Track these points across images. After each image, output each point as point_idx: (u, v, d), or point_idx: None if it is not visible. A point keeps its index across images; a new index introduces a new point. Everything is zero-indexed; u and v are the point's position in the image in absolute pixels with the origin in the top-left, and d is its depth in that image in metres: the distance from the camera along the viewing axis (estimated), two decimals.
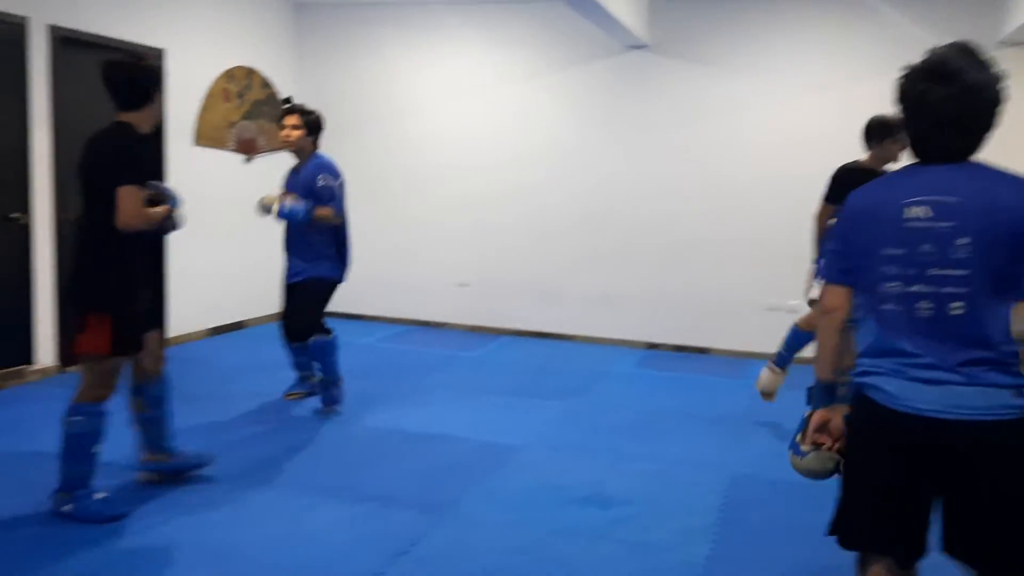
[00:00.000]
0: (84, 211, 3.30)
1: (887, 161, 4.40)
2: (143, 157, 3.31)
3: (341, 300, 7.82)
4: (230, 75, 6.91)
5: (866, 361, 2.01)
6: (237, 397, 5.06)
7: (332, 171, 4.75)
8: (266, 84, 7.35)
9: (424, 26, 7.53)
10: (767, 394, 4.97)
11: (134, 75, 3.38)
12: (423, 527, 3.38)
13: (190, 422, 4.42)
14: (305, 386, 5.13)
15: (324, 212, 4.66)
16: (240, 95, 7.03)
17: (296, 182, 4.79)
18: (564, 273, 7.34)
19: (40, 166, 5.25)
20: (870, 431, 2.02)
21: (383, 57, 7.68)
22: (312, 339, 4.81)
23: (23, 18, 5.05)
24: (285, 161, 7.54)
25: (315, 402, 5.03)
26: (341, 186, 4.78)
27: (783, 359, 4.90)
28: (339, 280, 4.89)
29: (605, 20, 5.95)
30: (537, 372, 6.18)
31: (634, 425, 4.91)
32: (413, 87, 7.63)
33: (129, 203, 3.16)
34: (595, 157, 7.18)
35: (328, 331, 4.88)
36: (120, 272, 3.29)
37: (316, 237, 4.75)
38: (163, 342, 3.70)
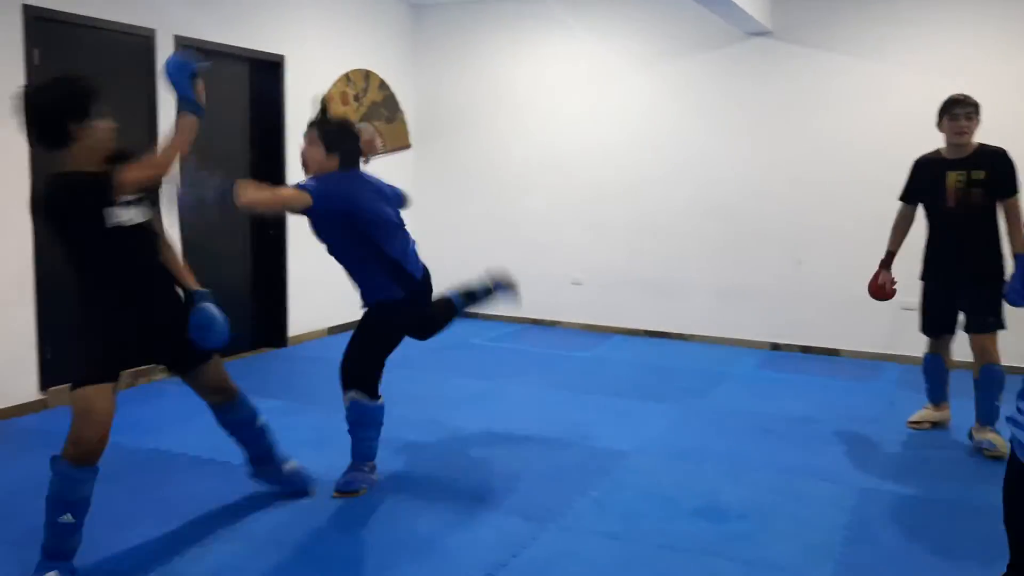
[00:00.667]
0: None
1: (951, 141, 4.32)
2: (70, 201, 2.86)
3: None
4: (348, 78, 7.04)
5: None
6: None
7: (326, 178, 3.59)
8: (383, 85, 7.44)
9: (537, 21, 7.46)
10: (920, 422, 4.72)
11: (42, 109, 2.86)
12: (527, 535, 3.29)
13: (304, 420, 4.50)
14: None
15: (262, 193, 3.44)
16: (357, 98, 7.15)
17: None
18: (682, 270, 7.11)
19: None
20: None
21: (496, 53, 7.65)
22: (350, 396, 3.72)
23: (151, 30, 5.28)
24: (404, 161, 7.70)
25: (430, 402, 5.03)
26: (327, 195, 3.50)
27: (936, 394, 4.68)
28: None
29: (725, 7, 5.71)
30: (651, 373, 6.00)
31: (753, 431, 4.67)
32: (526, 82, 7.56)
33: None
34: (714, 149, 6.92)
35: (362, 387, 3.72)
36: (102, 294, 2.97)
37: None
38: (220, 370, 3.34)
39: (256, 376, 5.63)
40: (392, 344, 3.79)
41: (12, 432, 4.45)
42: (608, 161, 7.28)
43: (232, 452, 4.07)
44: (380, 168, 7.38)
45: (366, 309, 3.77)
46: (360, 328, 3.77)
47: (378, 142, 7.41)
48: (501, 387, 5.50)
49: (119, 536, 3.21)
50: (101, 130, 2.93)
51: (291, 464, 3.61)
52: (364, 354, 3.73)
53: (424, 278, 3.91)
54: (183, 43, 5.48)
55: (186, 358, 3.23)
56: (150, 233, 3.09)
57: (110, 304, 2.96)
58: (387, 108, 7.51)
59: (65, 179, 2.88)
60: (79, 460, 2.79)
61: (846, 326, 6.59)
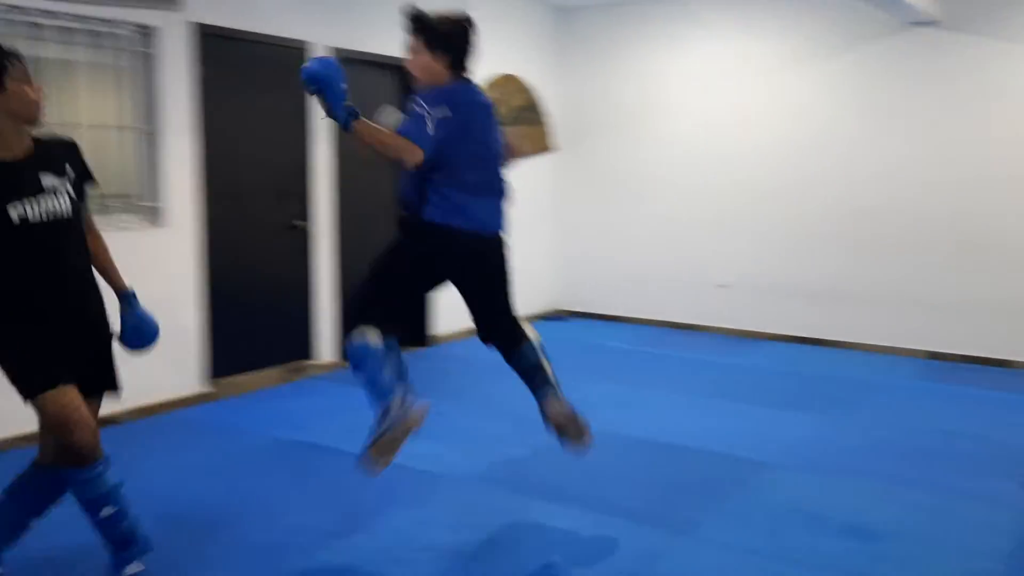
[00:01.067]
0: None
1: None
2: None
3: (594, 302, 7.94)
4: (492, 84, 7.13)
5: None
6: (492, 396, 5.17)
7: (433, 96, 3.13)
8: (525, 89, 7.50)
9: (681, 21, 7.32)
10: None
11: None
12: (661, 546, 3.23)
13: (445, 420, 4.60)
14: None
15: (376, 132, 3.06)
16: (501, 102, 7.23)
17: None
18: (834, 273, 6.79)
19: (321, 179, 5.74)
20: None
21: (642, 55, 7.56)
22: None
23: (303, 42, 5.54)
24: (547, 165, 7.73)
25: (570, 400, 5.03)
26: (436, 119, 3.06)
27: None
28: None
29: None
30: (800, 382, 5.76)
31: (909, 447, 4.40)
32: (672, 84, 7.44)
33: None
34: (871, 147, 6.57)
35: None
36: (11, 294, 2.56)
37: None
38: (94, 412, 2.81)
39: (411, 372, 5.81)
40: (419, 281, 3.24)
41: (183, 420, 4.79)
42: (758, 162, 7.05)
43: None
44: (523, 172, 7.48)
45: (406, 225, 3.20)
46: (388, 249, 3.21)
47: (522, 146, 7.48)
48: (639, 392, 5.43)
49: (272, 524, 3.38)
50: (16, 96, 2.48)
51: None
52: (379, 283, 3.18)
53: (494, 240, 3.28)
54: (337, 53, 5.73)
55: (96, 382, 2.82)
56: (71, 230, 2.66)
57: (34, 296, 2.58)
58: (531, 111, 7.55)
59: None
60: (81, 461, 2.60)
61: (1019, 335, 6.10)
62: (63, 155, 2.69)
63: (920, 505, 3.64)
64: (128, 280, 4.79)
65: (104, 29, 4.51)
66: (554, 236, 8.07)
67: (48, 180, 2.58)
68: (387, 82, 6.36)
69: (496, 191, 3.38)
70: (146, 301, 4.74)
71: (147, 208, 4.82)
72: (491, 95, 7.36)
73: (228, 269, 5.21)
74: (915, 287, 6.45)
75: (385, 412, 3.06)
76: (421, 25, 3.25)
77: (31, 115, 2.54)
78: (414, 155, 3.03)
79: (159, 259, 4.85)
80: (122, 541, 2.78)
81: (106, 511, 2.69)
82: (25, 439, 4.39)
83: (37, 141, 2.62)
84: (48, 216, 2.55)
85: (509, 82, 7.27)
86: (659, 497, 3.70)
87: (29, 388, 2.55)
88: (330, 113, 2.96)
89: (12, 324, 2.56)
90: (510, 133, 7.75)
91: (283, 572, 3.00)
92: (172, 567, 3.02)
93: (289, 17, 5.43)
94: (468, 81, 3.37)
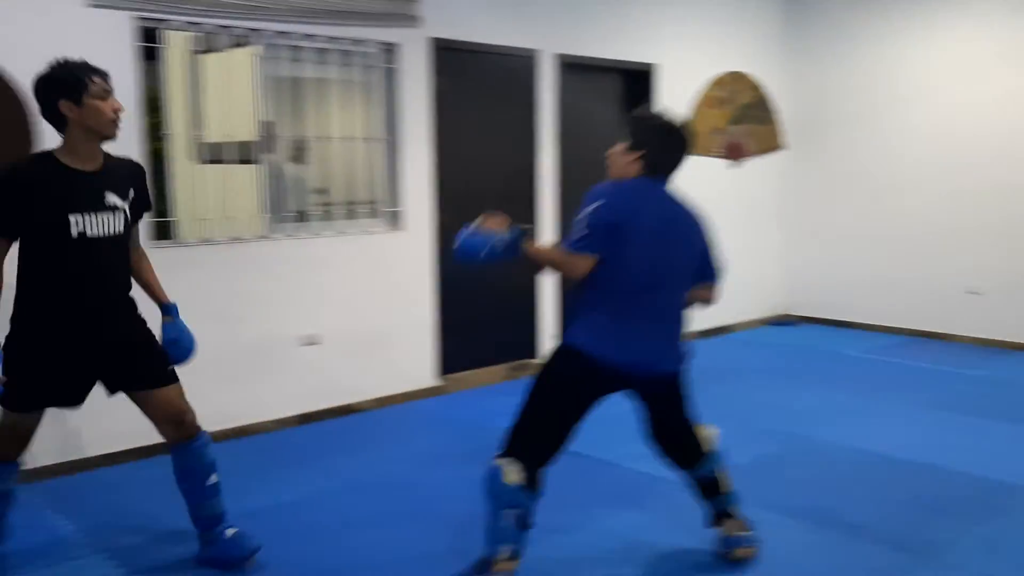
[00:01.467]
0: None
1: None
2: (6, 199, 2.61)
3: (826, 307, 7.52)
4: (718, 82, 6.99)
5: None
6: (716, 400, 5.02)
7: (593, 195, 2.83)
8: (755, 86, 7.28)
9: (933, 3, 6.77)
10: None
11: (35, 91, 2.69)
12: (901, 569, 3.02)
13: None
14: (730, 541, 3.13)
15: (545, 251, 2.96)
16: (728, 101, 7.07)
17: None
18: None
19: (546, 182, 5.89)
20: None
21: (882, 43, 7.08)
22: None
23: (532, 51, 5.71)
24: (777, 163, 7.46)
25: (794, 415, 4.83)
26: (592, 214, 2.76)
27: None
28: (581, 355, 2.82)
29: None
30: None
31: None
32: (916, 72, 6.89)
33: None
34: None
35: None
36: (31, 309, 2.73)
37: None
38: (176, 398, 2.97)
39: None
40: (569, 411, 2.85)
41: (416, 412, 5.10)
42: (1018, 155, 6.39)
43: (597, 447, 4.28)
44: (751, 171, 7.27)
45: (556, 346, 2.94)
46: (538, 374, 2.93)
47: (749, 144, 7.26)
48: (876, 404, 5.09)
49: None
50: (93, 112, 2.64)
51: (233, 530, 3.11)
52: (529, 413, 2.89)
53: (649, 374, 2.88)
54: (563, 59, 5.86)
55: (135, 377, 2.91)
56: (118, 248, 2.83)
57: (49, 313, 2.73)
58: (759, 109, 7.33)
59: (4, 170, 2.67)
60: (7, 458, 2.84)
61: None
62: (129, 177, 2.86)
63: None
64: (371, 280, 5.19)
65: (353, 48, 4.90)
66: (783, 237, 7.75)
67: (111, 198, 2.74)
68: (613, 86, 6.41)
69: (668, 319, 2.89)
70: (387, 298, 5.13)
71: (389, 213, 5.17)
72: (717, 94, 7.27)
73: (460, 270, 5.44)
74: None
75: (487, 559, 2.83)
76: (631, 121, 3.02)
77: (106, 131, 2.69)
78: (575, 264, 2.75)
79: (398, 260, 5.19)
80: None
81: None
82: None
83: (108, 159, 2.79)
84: (102, 232, 2.70)
85: (736, 79, 7.12)
86: (896, 517, 3.46)
87: (13, 401, 2.74)
88: (502, 257, 2.86)
89: (33, 330, 2.71)
90: (737, 132, 7.59)
91: None
92: (407, 553, 3.22)
93: (518, 28, 5.62)
94: (659, 183, 2.88)
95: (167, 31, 4.23)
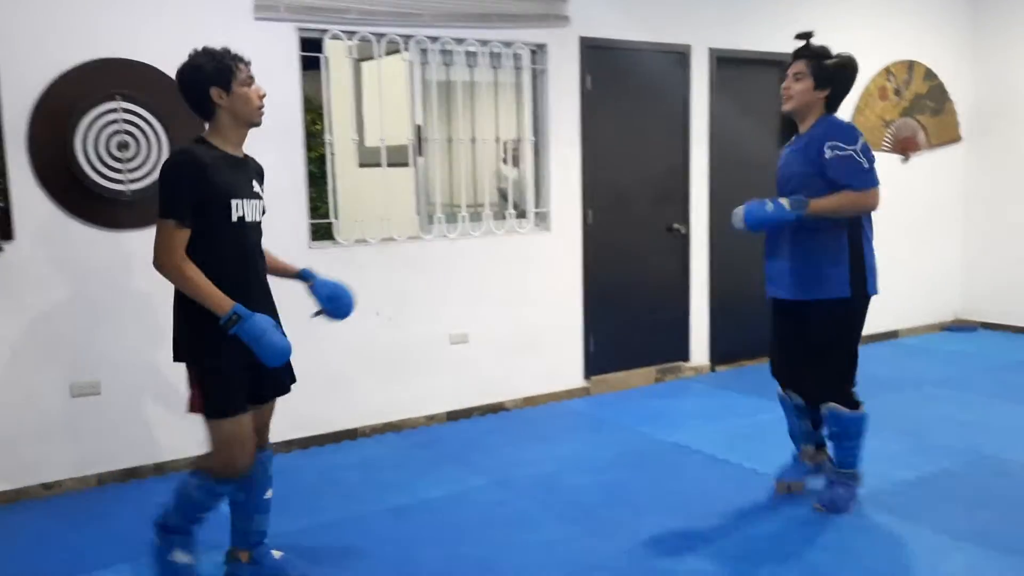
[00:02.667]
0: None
1: None
2: (180, 181, 2.55)
3: (1009, 313, 6.90)
4: (888, 72, 6.58)
5: None
6: (889, 411, 4.71)
7: (846, 133, 3.21)
8: (929, 75, 6.80)
9: None
10: None
11: (183, 80, 2.66)
12: None
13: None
14: (803, 470, 3.66)
15: (828, 203, 3.18)
16: (898, 92, 6.64)
17: (792, 157, 3.38)
18: None
19: (697, 181, 5.73)
20: None
21: None
22: (828, 407, 3.39)
23: (686, 46, 5.57)
24: (953, 156, 6.92)
25: (978, 430, 4.47)
26: (864, 151, 3.21)
27: None
28: (859, 302, 3.32)
29: None
30: None
31: None
32: None
33: (158, 242, 2.54)
34: None
35: (856, 402, 3.37)
36: (197, 319, 2.59)
37: (824, 238, 3.29)
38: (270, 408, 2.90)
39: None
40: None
41: (562, 413, 5.09)
42: None
43: (746, 455, 4.12)
44: (926, 163, 6.78)
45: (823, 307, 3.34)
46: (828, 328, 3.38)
47: (921, 137, 6.79)
48: None
49: (638, 521, 3.45)
50: (241, 98, 2.66)
51: (279, 552, 3.00)
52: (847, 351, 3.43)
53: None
54: (716, 54, 5.68)
55: (272, 387, 2.84)
56: (260, 237, 2.82)
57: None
58: (933, 100, 6.84)
59: (176, 151, 2.65)
60: (223, 478, 2.69)
61: None
62: (259, 170, 2.88)
63: None
64: (519, 280, 5.21)
65: (503, 50, 4.95)
66: (962, 238, 7.20)
67: (256, 186, 2.79)
68: (768, 79, 6.16)
69: None
70: (535, 299, 5.15)
71: (537, 214, 5.19)
72: (887, 83, 6.85)
73: (607, 271, 5.42)
74: None
75: (849, 484, 3.48)
76: (813, 54, 3.32)
77: (254, 118, 2.71)
78: (876, 197, 3.23)
79: (547, 261, 5.20)
80: (177, 528, 2.77)
81: (191, 522, 2.76)
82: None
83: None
84: (252, 218, 2.71)
85: (909, 68, 6.65)
86: None
87: (217, 409, 2.62)
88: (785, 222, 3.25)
89: (212, 321, 2.55)
90: (905, 126, 7.14)
91: (648, 570, 3.04)
92: (549, 556, 3.22)
93: (669, 23, 5.50)
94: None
95: (328, 40, 4.42)
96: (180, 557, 2.75)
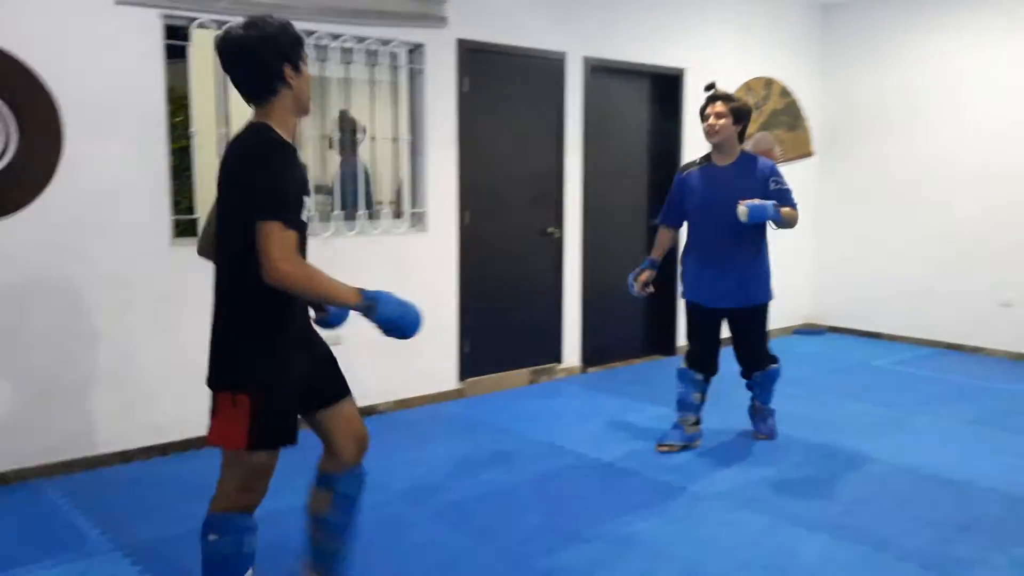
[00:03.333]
0: (221, 252, 2.29)
1: None
2: (286, 174, 2.19)
3: (855, 317, 7.41)
4: (748, 87, 6.90)
5: None
6: (740, 408, 4.95)
7: (778, 171, 4.19)
8: (785, 92, 7.18)
9: (970, 10, 6.63)
10: None
11: (250, 48, 2.24)
12: None
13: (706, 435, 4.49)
14: (681, 436, 4.32)
15: (786, 212, 4.06)
16: (757, 106, 6.98)
17: (724, 184, 4.10)
18: None
19: (571, 185, 5.84)
20: None
21: (919, 50, 6.96)
22: (763, 371, 4.42)
23: (562, 53, 5.67)
24: (807, 170, 7.34)
25: (825, 426, 4.75)
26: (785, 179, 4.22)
27: None
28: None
29: None
30: None
31: None
32: (953, 80, 6.77)
33: (275, 248, 2.08)
34: None
35: (776, 357, 4.47)
36: (267, 336, 2.25)
37: (756, 249, 4.17)
38: (357, 414, 2.58)
39: (645, 383, 5.77)
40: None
41: (437, 415, 5.07)
42: None
43: (618, 454, 4.22)
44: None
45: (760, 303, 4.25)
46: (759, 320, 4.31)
47: (777, 151, 7.17)
48: (906, 417, 4.98)
49: (515, 521, 3.47)
50: (308, 79, 2.34)
51: None
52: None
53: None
54: (591, 63, 5.80)
55: (339, 381, 2.54)
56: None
57: (284, 336, 2.29)
58: (788, 115, 7.23)
59: (268, 138, 2.22)
60: (242, 508, 2.33)
61: None
62: None
63: None
64: (393, 281, 5.13)
65: (379, 48, 4.88)
66: (812, 246, 7.65)
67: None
68: (639, 88, 6.36)
69: None
70: (409, 300, 5.10)
71: (414, 214, 5.15)
72: (747, 99, 7.16)
73: (483, 273, 5.44)
74: None
75: (772, 416, 4.62)
76: (726, 97, 4.14)
77: (308, 106, 2.38)
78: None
79: (422, 262, 5.16)
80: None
81: (245, 574, 2.33)
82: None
83: None
84: (308, 220, 2.32)
85: (766, 85, 7.01)
86: (923, 534, 3.36)
87: (260, 439, 2.24)
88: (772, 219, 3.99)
89: (279, 340, 2.27)
90: (763, 139, 7.51)
91: (526, 570, 3.07)
92: (424, 557, 3.19)
93: (547, 30, 5.58)
94: None
95: (194, 29, 4.23)
96: None
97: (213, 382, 2.27)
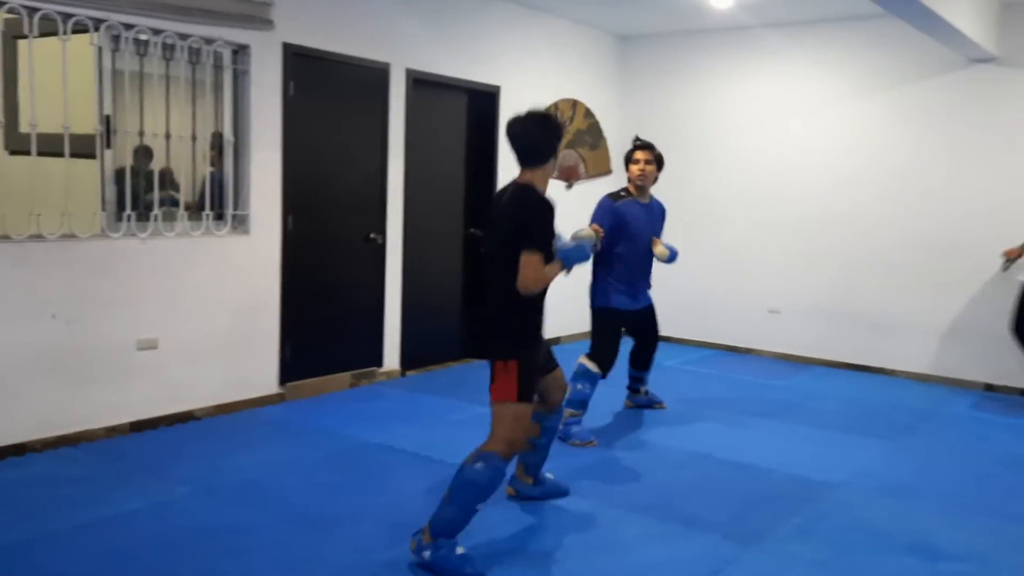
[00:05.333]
0: (494, 267, 3.27)
1: None
2: (547, 221, 3.22)
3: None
4: (556, 107, 7.35)
5: None
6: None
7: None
8: (588, 114, 7.70)
9: (747, 51, 7.47)
10: None
11: (536, 132, 3.34)
12: (730, 554, 3.36)
13: None
14: (586, 432, 4.88)
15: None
16: (564, 125, 7.43)
17: (647, 218, 5.00)
18: (887, 301, 6.86)
19: (394, 193, 5.97)
20: None
21: (703, 82, 7.72)
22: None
23: (386, 64, 5.80)
24: (606, 187, 7.90)
25: (629, 420, 5.18)
26: None
27: None
28: None
29: (947, 33, 5.52)
30: (854, 406, 5.83)
31: (969, 474, 4.48)
32: (732, 110, 7.58)
33: (530, 271, 3.12)
34: (932, 181, 6.64)
35: None
36: (526, 323, 3.27)
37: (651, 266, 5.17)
38: (563, 375, 3.77)
39: (465, 384, 5.98)
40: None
41: (258, 419, 5.00)
42: (818, 190, 7.16)
43: (447, 451, 4.40)
44: (584, 192, 7.66)
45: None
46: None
47: (581, 168, 7.67)
48: (697, 411, 5.54)
49: (355, 519, 3.56)
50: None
51: (545, 482, 3.90)
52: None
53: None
54: (413, 75, 5.97)
55: (550, 362, 3.68)
56: None
57: (534, 323, 3.32)
58: (591, 136, 7.76)
59: (539, 197, 3.27)
60: (507, 457, 3.17)
61: None
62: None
63: (984, 528, 3.72)
64: (214, 284, 5.07)
65: (203, 47, 4.78)
66: None
67: None
68: (458, 102, 6.60)
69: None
70: (230, 303, 5.02)
71: (236, 216, 5.06)
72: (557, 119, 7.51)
73: (306, 277, 5.43)
74: (971, 318, 6.49)
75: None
76: (650, 146, 4.98)
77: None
78: None
79: (244, 266, 5.09)
80: (449, 525, 3.11)
81: (480, 505, 3.13)
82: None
83: None
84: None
85: (573, 106, 7.50)
86: (723, 511, 3.82)
87: (525, 393, 3.21)
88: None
89: (529, 325, 3.30)
90: (569, 156, 7.99)
91: (373, 565, 3.17)
92: (266, 558, 3.20)
93: (372, 40, 5.68)
94: None
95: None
96: (461, 550, 3.11)
97: (487, 353, 3.27)
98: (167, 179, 4.88)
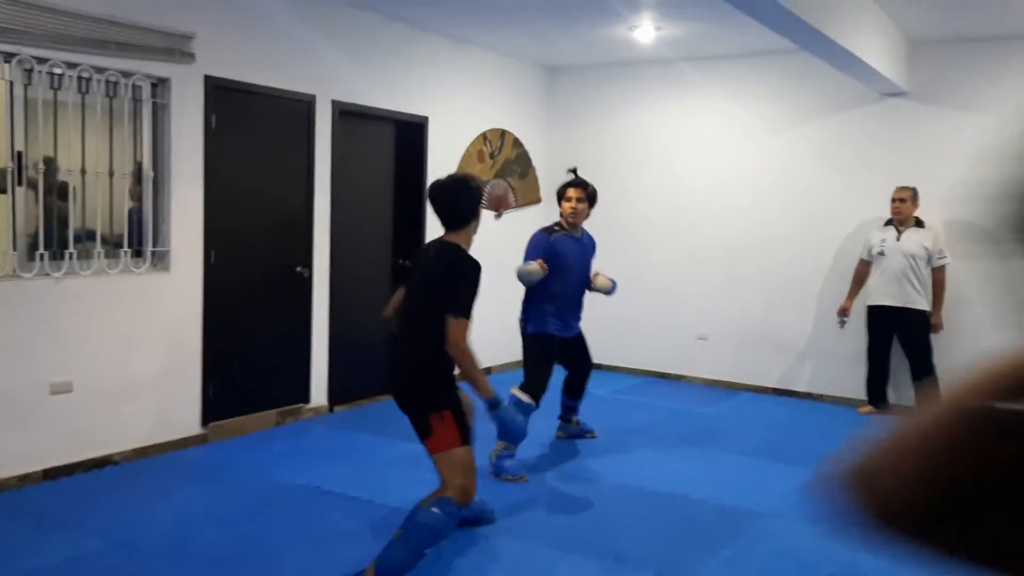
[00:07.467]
0: (415, 319, 3.42)
1: None
2: (476, 284, 3.33)
3: None
4: (485, 137, 7.38)
5: None
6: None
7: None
8: (517, 143, 7.75)
9: (669, 84, 7.62)
10: None
11: (459, 196, 3.46)
12: None
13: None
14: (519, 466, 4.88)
15: None
16: (493, 155, 7.47)
17: (580, 252, 5.12)
18: (812, 328, 7.04)
19: (320, 226, 5.89)
20: None
21: (627, 114, 7.85)
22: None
23: (311, 96, 5.73)
24: (535, 215, 7.96)
25: (559, 450, 5.17)
26: None
27: None
28: None
29: (860, 69, 5.73)
30: (782, 432, 5.95)
31: None
32: (654, 142, 7.72)
33: (459, 336, 3.24)
34: (848, 209, 6.86)
35: None
36: (446, 367, 3.35)
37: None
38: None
39: (392, 420, 5.89)
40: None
41: (179, 463, 4.84)
42: (739, 219, 7.32)
43: (375, 491, 4.32)
44: (514, 220, 7.70)
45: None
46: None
47: (511, 197, 7.70)
48: (626, 440, 5.58)
49: (279, 569, 3.46)
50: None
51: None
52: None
53: None
54: (339, 107, 5.92)
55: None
56: None
57: (452, 365, 3.36)
58: (520, 165, 7.81)
59: (467, 257, 3.39)
60: (464, 503, 3.29)
61: None
62: None
63: (912, 558, 3.80)
64: (132, 323, 4.92)
65: (121, 80, 4.66)
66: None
67: None
68: (386, 133, 6.57)
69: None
70: (149, 343, 4.86)
71: (155, 253, 4.92)
72: (483, 148, 7.65)
73: (229, 314, 5.30)
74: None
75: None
76: (584, 183, 5.10)
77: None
78: None
79: (164, 304, 4.94)
80: (397, 568, 3.17)
81: (429, 550, 3.24)
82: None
83: None
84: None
85: (501, 136, 7.53)
86: (653, 544, 3.84)
87: (465, 437, 3.32)
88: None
89: (453, 380, 3.42)
90: (498, 185, 8.01)
91: None
92: None
93: (297, 73, 5.61)
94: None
95: None
96: None
97: (416, 407, 3.33)
98: (83, 215, 4.71)
